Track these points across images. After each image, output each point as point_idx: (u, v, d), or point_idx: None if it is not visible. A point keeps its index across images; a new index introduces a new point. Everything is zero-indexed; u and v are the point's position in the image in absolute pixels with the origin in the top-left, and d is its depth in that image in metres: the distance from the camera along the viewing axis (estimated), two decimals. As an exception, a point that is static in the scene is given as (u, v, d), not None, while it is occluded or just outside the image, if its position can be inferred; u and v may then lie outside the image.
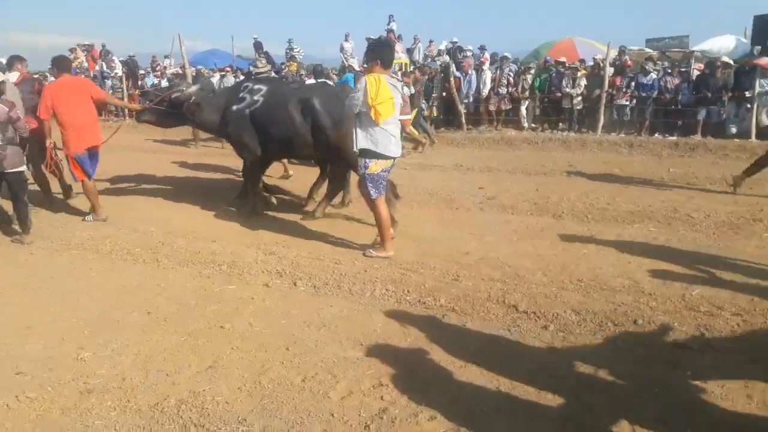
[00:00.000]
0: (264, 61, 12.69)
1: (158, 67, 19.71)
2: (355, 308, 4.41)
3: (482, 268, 5.26)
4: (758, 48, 12.33)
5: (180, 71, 18.76)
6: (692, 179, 8.81)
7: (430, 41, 19.87)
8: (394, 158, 5.36)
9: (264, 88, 6.98)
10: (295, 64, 19.36)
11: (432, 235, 6.34)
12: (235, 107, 6.91)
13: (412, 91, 11.37)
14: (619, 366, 3.42)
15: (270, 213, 7.34)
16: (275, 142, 6.80)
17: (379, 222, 5.51)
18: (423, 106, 13.64)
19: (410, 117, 6.95)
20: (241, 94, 6.98)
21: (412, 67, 16.46)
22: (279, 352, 3.71)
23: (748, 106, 11.46)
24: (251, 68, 12.94)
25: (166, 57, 20.95)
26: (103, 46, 21.75)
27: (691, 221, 6.52)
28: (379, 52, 5.28)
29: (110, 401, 3.18)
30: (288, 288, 4.87)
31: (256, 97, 6.87)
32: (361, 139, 5.25)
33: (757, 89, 11.19)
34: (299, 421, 2.96)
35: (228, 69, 17.79)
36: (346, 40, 19.40)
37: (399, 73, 15.92)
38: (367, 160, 5.27)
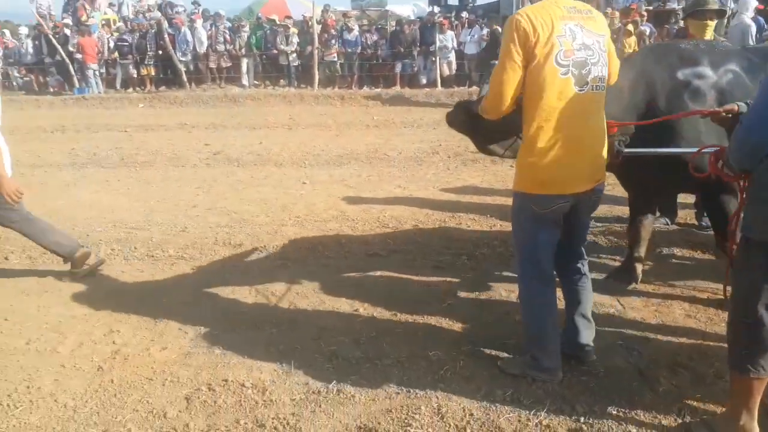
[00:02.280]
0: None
1: None
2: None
3: (209, 217, 5.59)
4: (437, 8, 14.47)
5: None
6: (391, 125, 10.24)
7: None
8: None
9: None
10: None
11: (158, 193, 6.40)
12: None
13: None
14: (324, 277, 4.14)
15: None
16: None
17: None
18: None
19: None
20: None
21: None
22: (-6, 324, 3.58)
23: (433, 59, 13.49)
24: None
25: None
26: None
27: (388, 159, 7.72)
28: None
29: None
30: (-2, 263, 4.57)
31: None
32: None
33: (438, 44, 13.23)
34: (27, 377, 3.00)
35: None
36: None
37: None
38: None
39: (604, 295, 3.70)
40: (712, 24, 4.41)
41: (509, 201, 5.68)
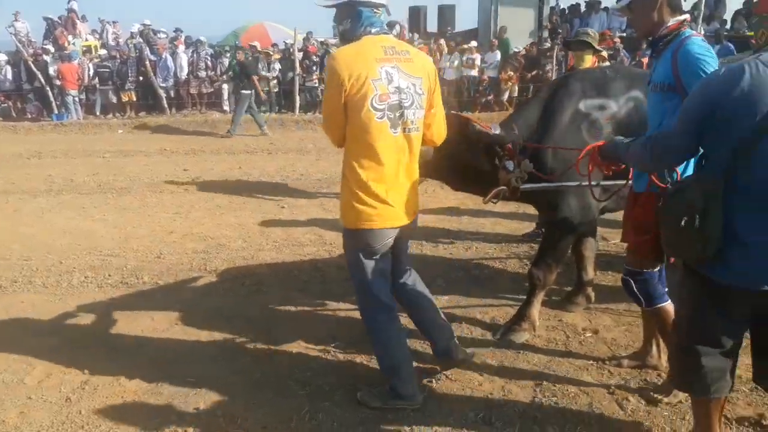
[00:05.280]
0: None
1: None
2: (50, 300, 4.31)
3: (186, 243, 5.55)
4: (416, 35, 14.67)
5: None
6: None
7: (114, 22, 18.64)
8: None
9: None
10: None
11: (135, 219, 6.35)
12: None
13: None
14: (301, 300, 4.12)
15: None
16: None
17: None
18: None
19: None
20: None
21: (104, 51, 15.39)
22: (-37, 355, 3.50)
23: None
24: None
25: None
26: None
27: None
28: None
29: None
30: (-32, 292, 4.49)
31: None
32: None
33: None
34: (-8, 410, 2.94)
35: None
36: (17, 19, 16.93)
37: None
38: None
39: (576, 316, 3.74)
40: (586, 56, 4.90)
41: (485, 222, 5.83)
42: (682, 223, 1.92)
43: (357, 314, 3.83)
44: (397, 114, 2.49)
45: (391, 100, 2.46)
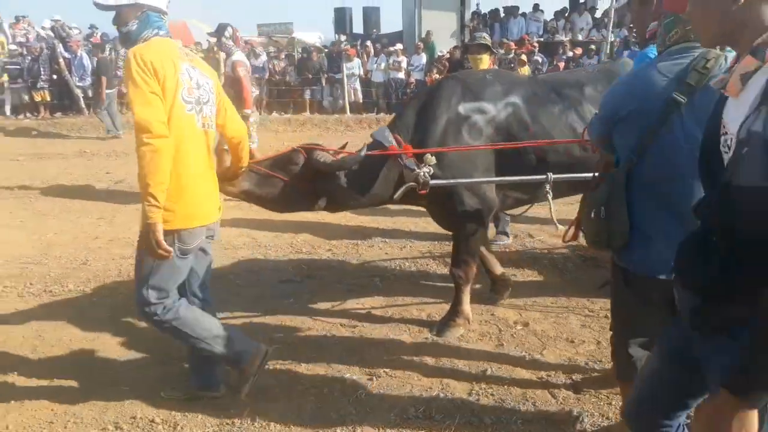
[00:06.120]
0: None
1: None
2: (-35, 312, 4.07)
3: (113, 248, 5.36)
4: (343, 36, 14.73)
5: None
6: (302, 149, 10.26)
7: (23, 17, 17.52)
8: None
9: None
10: None
11: (56, 225, 6.07)
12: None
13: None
14: (236, 304, 4.09)
15: None
16: None
17: None
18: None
19: None
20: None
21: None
22: None
23: (337, 86, 13.70)
24: None
25: None
26: None
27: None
28: None
29: None
30: None
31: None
32: None
33: (345, 72, 13.47)
34: None
35: None
36: None
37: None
38: None
39: (508, 311, 3.92)
40: (484, 58, 5.25)
41: (418, 221, 5.97)
42: (592, 214, 2.08)
43: (298, 317, 3.89)
44: (198, 108, 2.58)
45: (194, 94, 2.55)
